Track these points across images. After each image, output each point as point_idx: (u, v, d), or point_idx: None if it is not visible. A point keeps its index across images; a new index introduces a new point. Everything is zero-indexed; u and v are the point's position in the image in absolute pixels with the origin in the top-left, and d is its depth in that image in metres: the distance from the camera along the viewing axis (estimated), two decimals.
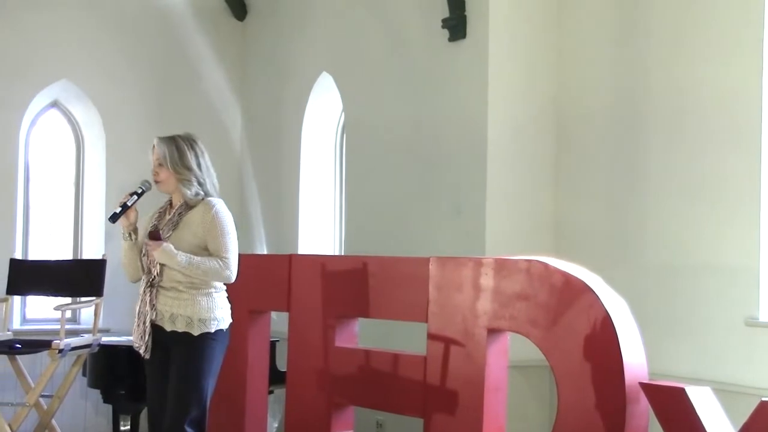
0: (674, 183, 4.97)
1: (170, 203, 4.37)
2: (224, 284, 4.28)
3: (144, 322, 4.20)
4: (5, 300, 6.52)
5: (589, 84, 5.53)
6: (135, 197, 4.25)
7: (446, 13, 5.72)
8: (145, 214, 4.35)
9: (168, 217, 4.30)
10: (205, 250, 4.19)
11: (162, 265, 4.19)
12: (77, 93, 7.40)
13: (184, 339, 4.15)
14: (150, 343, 4.21)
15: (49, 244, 7.51)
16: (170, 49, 7.62)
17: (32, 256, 7.28)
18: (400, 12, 6.28)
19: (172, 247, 4.11)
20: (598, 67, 5.48)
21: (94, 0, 7.37)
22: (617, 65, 5.36)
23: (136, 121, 7.41)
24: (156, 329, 4.21)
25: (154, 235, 4.13)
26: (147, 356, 4.24)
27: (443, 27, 5.77)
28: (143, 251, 4.25)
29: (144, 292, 4.23)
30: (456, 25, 5.70)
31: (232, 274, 4.20)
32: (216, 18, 7.82)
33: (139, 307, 4.24)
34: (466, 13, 5.68)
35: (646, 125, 5.15)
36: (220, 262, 4.15)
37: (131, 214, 4.25)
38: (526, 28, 5.66)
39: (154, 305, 4.19)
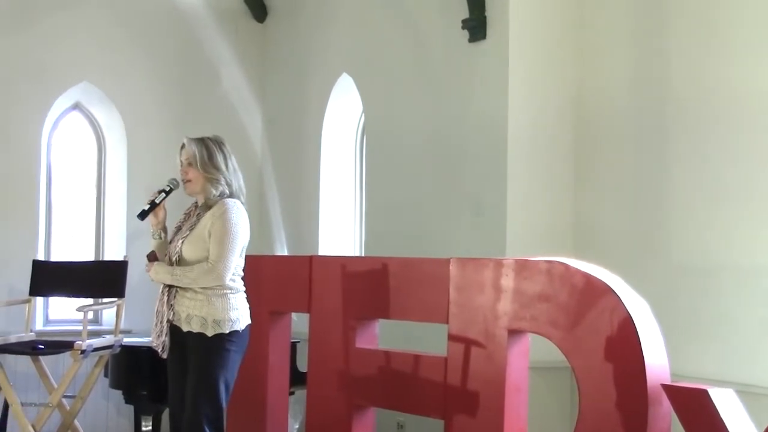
0: (697, 183, 4.94)
1: (196, 205, 4.41)
2: (243, 285, 4.29)
3: (161, 322, 4.26)
4: (28, 301, 6.56)
5: (611, 84, 5.51)
6: (163, 195, 4.31)
7: (466, 14, 5.71)
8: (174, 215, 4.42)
9: (191, 218, 4.36)
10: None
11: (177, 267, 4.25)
12: (99, 95, 7.44)
13: (199, 340, 4.19)
14: (167, 343, 4.26)
15: (72, 246, 7.55)
16: (190, 51, 7.65)
17: (55, 258, 7.32)
18: (420, 13, 6.28)
19: (162, 265, 4.24)
20: (620, 66, 5.45)
21: (114, 3, 7.40)
22: (639, 65, 5.33)
23: (157, 123, 7.44)
24: (174, 329, 4.26)
25: (152, 257, 4.27)
26: (164, 355, 4.30)
27: (463, 28, 5.76)
28: (168, 261, 4.33)
29: (162, 292, 4.29)
30: (476, 26, 5.69)
31: (221, 275, 4.19)
32: (236, 20, 7.84)
33: (158, 307, 4.30)
34: (486, 14, 5.67)
35: (669, 125, 5.12)
36: (206, 265, 4.19)
37: (159, 212, 4.32)
38: (547, 29, 5.64)
39: (171, 305, 4.24)
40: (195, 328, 4.20)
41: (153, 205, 4.26)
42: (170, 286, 4.26)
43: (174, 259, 4.29)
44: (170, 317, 4.24)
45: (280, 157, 7.72)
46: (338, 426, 4.73)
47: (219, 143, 4.35)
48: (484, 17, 5.67)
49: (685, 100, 5.02)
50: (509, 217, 5.52)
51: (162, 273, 4.25)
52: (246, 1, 7.81)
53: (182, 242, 4.25)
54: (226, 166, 4.32)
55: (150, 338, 4.47)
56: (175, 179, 4.37)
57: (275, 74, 7.83)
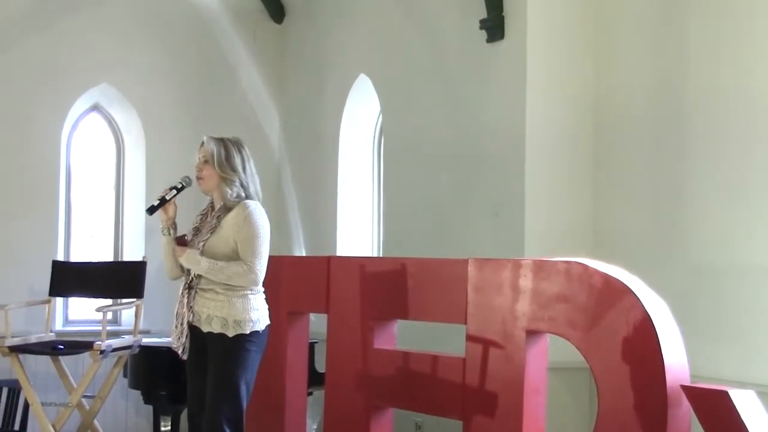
0: (716, 183, 4.91)
1: (211, 205, 4.40)
2: (262, 285, 4.30)
3: (181, 323, 4.26)
4: (48, 301, 6.59)
5: (629, 84, 5.48)
6: (174, 192, 4.29)
7: (484, 14, 5.71)
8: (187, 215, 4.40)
9: (208, 220, 4.34)
10: (237, 253, 4.22)
11: None
12: (117, 96, 7.48)
13: (219, 340, 4.19)
14: (187, 344, 4.26)
15: (91, 247, 7.59)
16: (209, 52, 7.67)
17: (74, 259, 7.36)
18: (438, 13, 6.28)
19: (196, 253, 4.19)
20: (638, 67, 5.43)
21: (133, 4, 7.44)
22: (657, 65, 5.31)
23: (176, 124, 7.46)
24: (194, 330, 4.25)
25: (181, 241, 4.23)
26: (184, 357, 4.30)
27: (481, 28, 5.76)
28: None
29: (182, 293, 4.29)
30: (494, 26, 5.68)
31: (258, 277, 4.21)
32: (254, 21, 7.86)
33: (177, 309, 4.29)
34: (503, 14, 5.66)
35: (687, 125, 5.09)
36: (245, 266, 4.18)
37: (170, 208, 4.31)
38: (565, 29, 5.63)
39: (191, 307, 4.24)
40: (216, 329, 4.19)
41: (162, 201, 4.26)
42: (190, 288, 4.26)
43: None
44: (190, 318, 4.24)
45: (298, 158, 7.74)
46: (356, 426, 4.73)
47: (239, 145, 4.35)
48: (502, 17, 5.66)
49: (703, 100, 5.00)
50: (527, 217, 5.51)
51: (195, 261, 4.18)
52: (264, 2, 7.83)
53: (203, 245, 4.24)
54: (243, 168, 4.31)
55: (169, 339, 4.49)
56: (188, 177, 4.36)
57: (293, 75, 7.84)
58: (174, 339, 4.31)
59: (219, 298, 4.20)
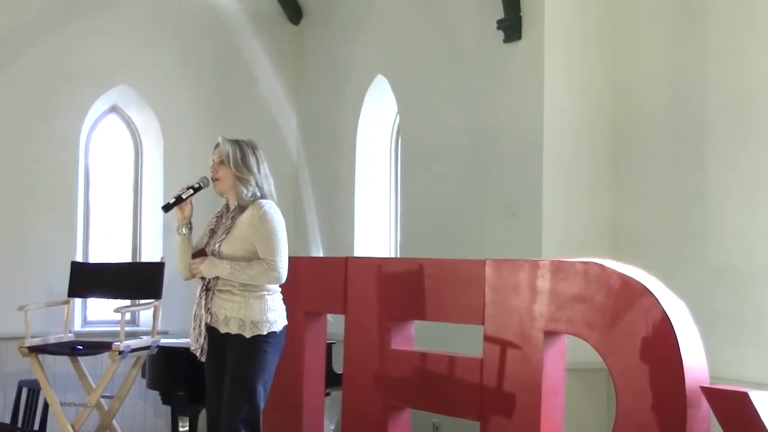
0: (736, 183, 4.88)
1: (227, 207, 4.41)
2: (279, 286, 4.30)
3: (200, 325, 4.27)
4: (67, 302, 6.62)
5: (647, 84, 5.46)
6: (191, 191, 4.30)
7: (501, 14, 5.70)
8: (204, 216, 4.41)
9: (223, 221, 4.35)
10: (254, 253, 4.22)
11: None
12: (135, 98, 7.51)
13: (236, 341, 4.19)
14: (206, 346, 4.27)
15: (109, 247, 7.62)
16: (226, 53, 7.69)
17: (93, 260, 7.39)
18: (455, 14, 6.27)
19: (215, 259, 4.19)
20: (657, 66, 5.41)
21: (151, 6, 7.47)
22: (676, 64, 5.28)
23: (193, 125, 7.49)
24: (212, 331, 4.26)
25: (196, 254, 4.21)
26: (203, 359, 4.31)
27: (498, 28, 5.75)
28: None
29: (200, 295, 4.29)
30: (511, 27, 5.67)
31: (281, 274, 4.21)
32: (271, 22, 7.88)
33: (195, 311, 4.30)
34: (521, 14, 5.64)
35: (706, 125, 5.07)
36: (266, 264, 4.18)
37: (186, 208, 4.31)
38: (582, 29, 5.61)
39: (209, 308, 4.24)
40: (233, 330, 4.20)
41: (179, 200, 4.26)
42: (207, 289, 4.27)
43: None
44: (208, 320, 4.25)
45: (316, 159, 7.74)
46: (374, 427, 4.73)
47: (253, 147, 4.37)
48: (520, 17, 5.65)
49: (723, 100, 4.97)
50: (545, 218, 5.49)
51: (217, 266, 4.19)
52: (281, 4, 7.84)
53: (219, 245, 4.25)
54: (258, 169, 4.32)
55: (187, 339, 4.50)
56: (206, 177, 4.37)
57: (310, 76, 7.85)
58: (192, 341, 4.32)
59: (236, 299, 4.21)
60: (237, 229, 4.25)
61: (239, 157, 4.28)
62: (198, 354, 4.30)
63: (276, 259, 4.18)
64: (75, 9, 7.22)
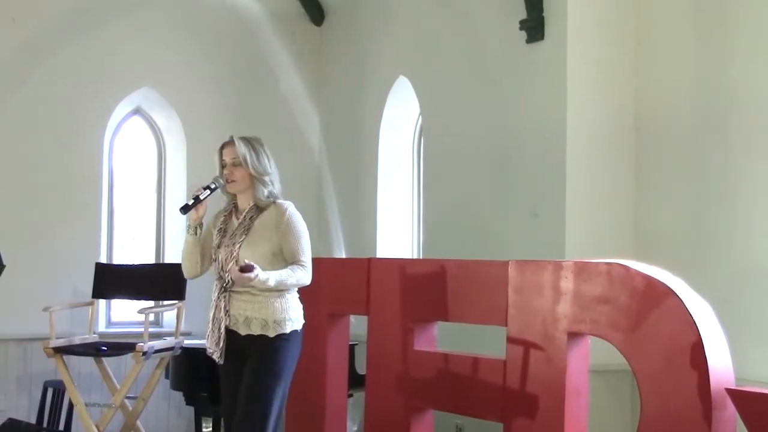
0: (761, 183, 4.84)
1: (235, 206, 4.36)
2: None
3: (219, 328, 4.22)
4: (91, 303, 6.66)
5: (671, 84, 5.43)
6: (208, 192, 4.24)
7: (524, 15, 5.68)
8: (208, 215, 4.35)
9: (238, 221, 4.29)
10: (276, 255, 4.20)
11: None
12: (159, 100, 7.55)
13: (260, 341, 4.17)
14: (224, 349, 4.23)
15: (133, 249, 7.66)
16: (249, 55, 7.72)
17: (116, 261, 7.43)
18: (478, 14, 6.26)
19: (261, 273, 4.03)
20: (680, 66, 5.37)
21: (174, 9, 7.50)
22: (700, 65, 5.25)
23: (216, 127, 7.49)
24: (230, 334, 4.22)
25: (246, 269, 4.02)
26: (221, 362, 4.26)
27: (521, 29, 5.73)
28: (219, 266, 4.24)
29: (218, 297, 4.25)
30: (534, 27, 5.65)
31: (311, 275, 4.24)
32: (294, 23, 7.89)
33: (214, 313, 4.25)
34: (543, 15, 5.63)
35: (731, 126, 5.03)
36: (302, 267, 4.19)
37: (201, 208, 4.25)
38: (605, 29, 5.58)
39: (228, 311, 4.21)
40: (255, 331, 4.17)
41: (197, 201, 4.21)
42: (224, 290, 4.22)
43: (231, 264, 4.17)
44: (227, 323, 4.21)
45: (338, 160, 7.75)
46: (397, 428, 4.73)
47: (261, 144, 4.33)
48: (542, 18, 5.63)
49: (747, 100, 4.93)
50: (568, 219, 5.47)
51: (266, 282, 4.05)
52: (303, 5, 7.85)
53: (239, 246, 4.20)
54: (270, 167, 4.31)
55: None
56: (219, 178, 4.31)
57: (332, 77, 7.86)
58: (210, 344, 4.26)
59: (257, 299, 4.18)
60: (259, 229, 4.22)
61: (255, 157, 4.25)
62: (216, 357, 4.26)
63: (308, 260, 4.21)
64: (98, 13, 7.26)
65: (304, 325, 4.30)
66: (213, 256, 4.30)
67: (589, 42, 5.55)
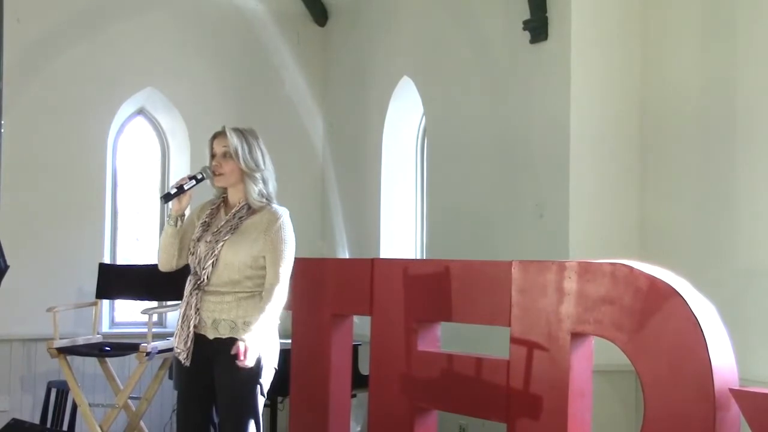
0: (766, 183, 4.83)
1: (224, 201, 4.18)
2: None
3: (189, 327, 3.98)
4: (95, 304, 6.67)
5: (676, 83, 5.42)
6: (193, 182, 4.07)
7: (527, 15, 5.68)
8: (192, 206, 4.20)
9: (225, 217, 4.11)
10: (256, 259, 4.00)
11: (212, 269, 4.00)
12: (162, 101, 7.56)
13: (229, 345, 3.88)
14: (192, 350, 3.98)
15: (136, 249, 7.67)
16: (252, 55, 7.73)
17: (120, 261, 7.44)
18: (481, 15, 6.25)
19: (249, 338, 3.82)
20: (685, 65, 5.36)
21: (177, 10, 7.51)
22: (706, 64, 5.24)
23: (220, 127, 7.48)
24: (197, 338, 3.99)
25: (237, 354, 3.81)
26: (187, 364, 3.99)
27: (524, 29, 5.73)
28: (197, 260, 4.06)
29: (190, 294, 4.03)
30: (537, 27, 5.65)
31: (287, 288, 4.01)
32: (297, 24, 7.90)
33: (185, 310, 4.03)
34: (547, 15, 5.62)
35: (736, 125, 5.02)
36: (278, 283, 3.95)
37: (184, 199, 4.07)
38: (609, 29, 5.58)
39: (198, 309, 4.00)
40: (224, 334, 3.95)
41: (180, 190, 4.03)
42: (198, 288, 4.01)
43: (210, 261, 4.00)
44: (196, 323, 3.97)
45: (342, 160, 7.75)
46: (400, 428, 4.72)
47: (256, 137, 4.13)
48: (546, 18, 5.62)
49: (753, 99, 4.92)
50: (572, 219, 5.47)
51: (259, 331, 3.85)
52: (307, 5, 7.86)
53: (222, 245, 4.00)
54: (264, 163, 4.10)
55: None
56: (208, 169, 4.09)
57: (336, 77, 7.86)
58: (179, 343, 4.00)
59: (226, 299, 3.98)
60: (246, 230, 4.02)
61: (248, 151, 4.06)
62: (182, 358, 3.98)
63: (283, 271, 3.99)
64: (102, 13, 7.28)
65: (278, 325, 4.08)
66: (191, 250, 4.09)
67: (593, 42, 5.54)
